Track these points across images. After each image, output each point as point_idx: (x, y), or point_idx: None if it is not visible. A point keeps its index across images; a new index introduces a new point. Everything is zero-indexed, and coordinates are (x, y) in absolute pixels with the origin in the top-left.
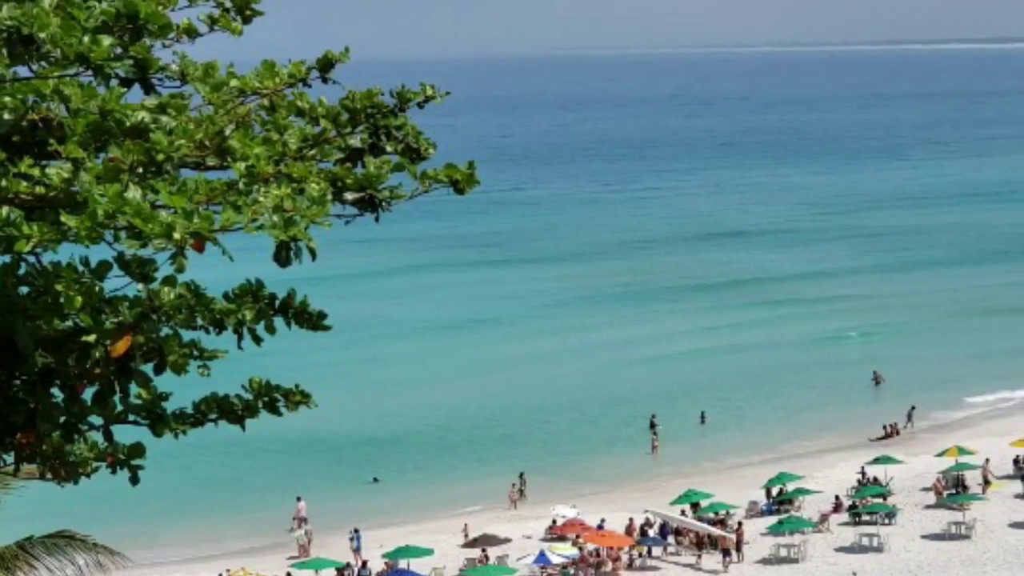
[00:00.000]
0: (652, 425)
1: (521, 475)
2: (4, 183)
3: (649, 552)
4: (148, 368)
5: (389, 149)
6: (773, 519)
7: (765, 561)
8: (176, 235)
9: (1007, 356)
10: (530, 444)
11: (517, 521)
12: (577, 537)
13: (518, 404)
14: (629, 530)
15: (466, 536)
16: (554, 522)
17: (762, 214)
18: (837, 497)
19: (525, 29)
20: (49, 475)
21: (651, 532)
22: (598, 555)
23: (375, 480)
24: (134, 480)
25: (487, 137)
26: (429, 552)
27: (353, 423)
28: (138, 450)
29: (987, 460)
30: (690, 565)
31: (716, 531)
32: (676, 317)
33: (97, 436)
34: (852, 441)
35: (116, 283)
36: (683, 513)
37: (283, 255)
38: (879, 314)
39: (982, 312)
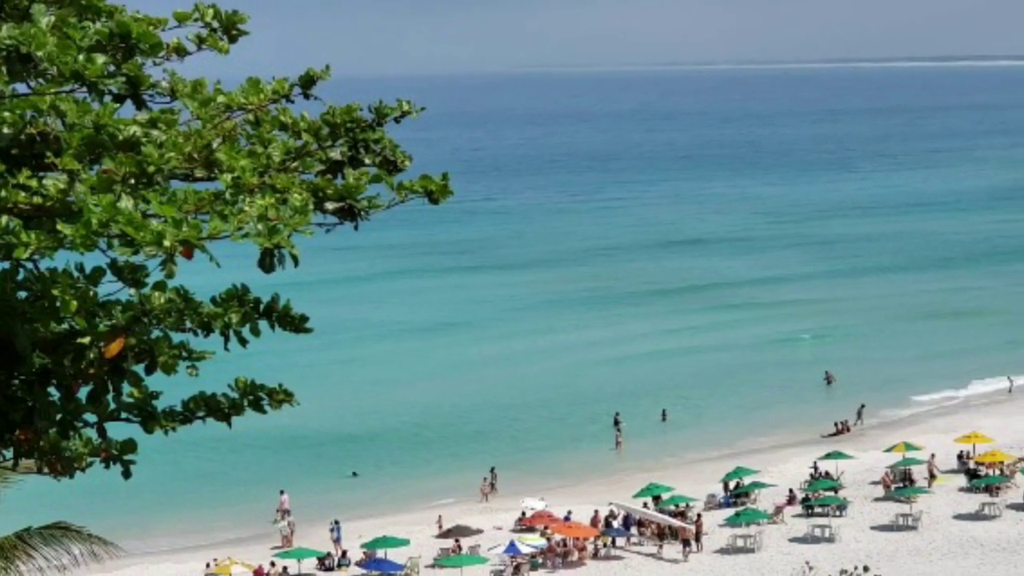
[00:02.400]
0: (616, 422)
1: (492, 469)
2: (3, 193)
3: (613, 542)
4: (140, 368)
5: (367, 161)
6: (730, 511)
7: (723, 551)
8: (166, 243)
9: (951, 357)
10: (500, 440)
11: (488, 513)
12: (545, 528)
13: (489, 402)
14: (594, 521)
15: (440, 527)
16: (523, 514)
17: (719, 223)
18: (791, 490)
19: (495, 48)
20: (46, 470)
21: (615, 523)
22: (565, 545)
23: (354, 474)
24: (126, 474)
25: (460, 150)
26: (405, 542)
27: (333, 420)
28: (130, 446)
29: (933, 455)
30: (652, 555)
31: (676, 522)
32: (638, 320)
33: (91, 433)
34: (805, 437)
35: (109, 288)
36: (645, 505)
37: (267, 262)
38: (830, 317)
39: (928, 316)
